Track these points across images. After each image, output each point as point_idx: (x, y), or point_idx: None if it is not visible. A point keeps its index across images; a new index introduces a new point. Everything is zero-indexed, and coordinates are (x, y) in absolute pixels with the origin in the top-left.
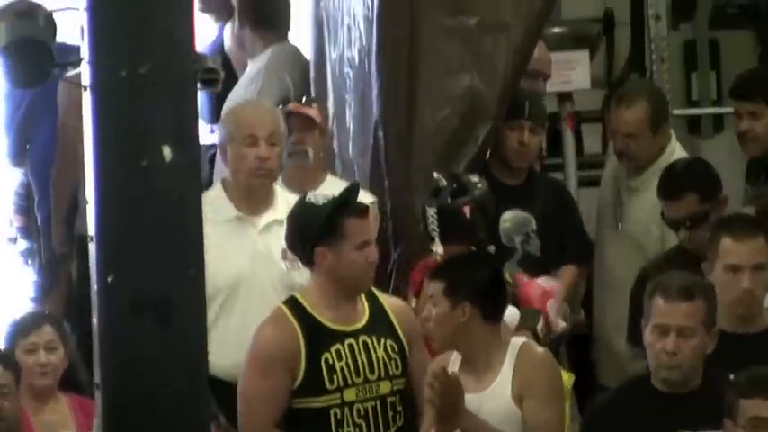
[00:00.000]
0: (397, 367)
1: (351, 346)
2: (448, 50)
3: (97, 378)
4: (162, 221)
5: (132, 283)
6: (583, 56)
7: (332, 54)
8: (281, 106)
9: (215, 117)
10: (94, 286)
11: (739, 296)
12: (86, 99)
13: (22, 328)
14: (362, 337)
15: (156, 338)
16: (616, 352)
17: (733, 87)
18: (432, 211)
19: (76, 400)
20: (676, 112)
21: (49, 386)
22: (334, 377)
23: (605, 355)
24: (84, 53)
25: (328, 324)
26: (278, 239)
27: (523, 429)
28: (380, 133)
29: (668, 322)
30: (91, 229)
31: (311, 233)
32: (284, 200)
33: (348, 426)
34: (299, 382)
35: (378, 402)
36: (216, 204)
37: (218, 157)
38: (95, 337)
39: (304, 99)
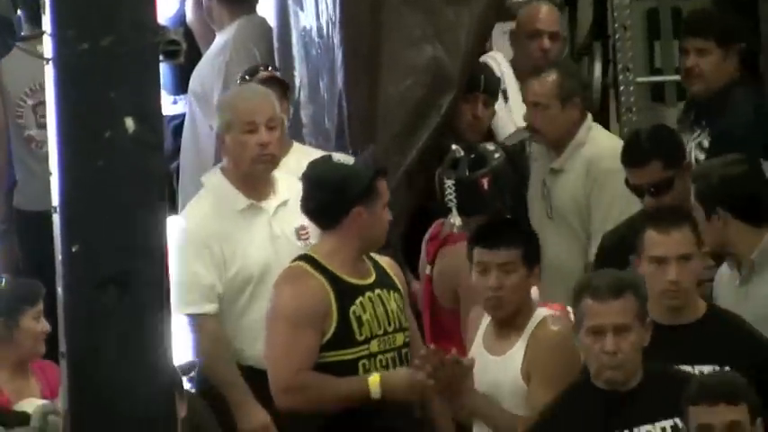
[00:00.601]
0: (405, 319)
1: (370, 298)
2: (410, 21)
3: (62, 347)
4: (125, 192)
5: (97, 253)
6: None
7: (300, 24)
8: (248, 76)
9: (177, 88)
10: (59, 256)
11: (666, 288)
12: (48, 72)
13: (30, 297)
14: (377, 291)
15: (120, 308)
16: None
17: (685, 23)
18: (449, 183)
19: (35, 362)
20: (639, 79)
21: (42, 353)
22: (362, 329)
23: None
24: (46, 26)
25: (348, 279)
26: (288, 221)
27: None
28: (344, 103)
29: (603, 322)
30: (55, 201)
31: (354, 193)
32: (283, 181)
33: None
34: (329, 335)
35: (396, 354)
36: (222, 194)
37: (186, 130)
38: (60, 307)
39: (270, 68)
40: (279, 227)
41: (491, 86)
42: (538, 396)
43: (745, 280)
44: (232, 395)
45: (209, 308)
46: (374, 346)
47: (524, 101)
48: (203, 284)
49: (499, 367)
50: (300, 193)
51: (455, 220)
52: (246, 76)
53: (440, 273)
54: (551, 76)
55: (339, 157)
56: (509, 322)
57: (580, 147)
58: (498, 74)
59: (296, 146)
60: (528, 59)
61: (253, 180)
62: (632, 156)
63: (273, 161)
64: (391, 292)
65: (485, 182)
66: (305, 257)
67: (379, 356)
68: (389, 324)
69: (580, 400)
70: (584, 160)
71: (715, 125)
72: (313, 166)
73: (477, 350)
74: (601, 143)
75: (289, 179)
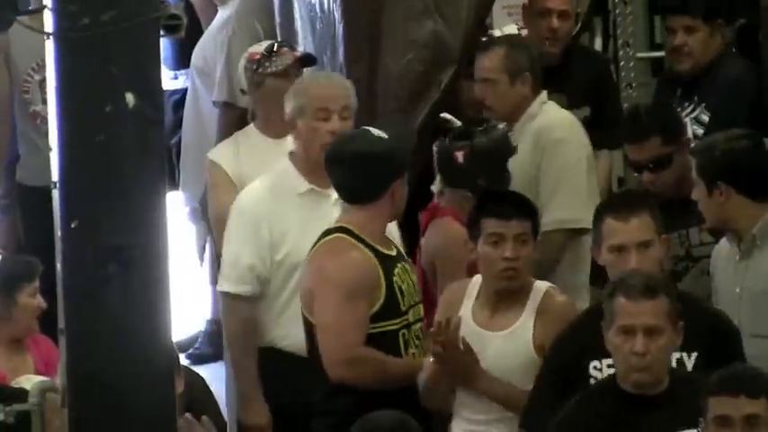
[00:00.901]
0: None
1: (402, 269)
2: None
3: (61, 324)
4: (125, 168)
5: (96, 229)
6: None
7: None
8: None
9: (178, 63)
10: (58, 232)
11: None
12: (49, 47)
13: (28, 273)
14: (402, 262)
15: (119, 284)
16: None
17: (668, 2)
18: (434, 150)
19: (30, 338)
20: (640, 54)
21: (37, 330)
22: (405, 299)
23: None
24: (48, 0)
25: (382, 250)
26: None
27: None
28: (345, 77)
29: (634, 322)
30: (55, 176)
31: (396, 168)
32: None
33: (411, 347)
34: (377, 307)
35: (421, 324)
36: (285, 177)
37: (188, 105)
38: (59, 283)
39: (286, 44)
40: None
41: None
42: None
43: (746, 254)
44: (241, 382)
45: (243, 288)
46: (411, 316)
47: (474, 77)
48: (242, 264)
49: (504, 342)
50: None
51: (436, 186)
52: (266, 53)
53: (425, 245)
54: (499, 52)
55: (375, 131)
56: (509, 296)
57: (531, 120)
58: None
59: None
60: (537, 38)
61: (320, 167)
62: (632, 132)
63: None
64: (409, 262)
65: (459, 155)
66: (341, 229)
67: (413, 326)
68: (416, 294)
69: (604, 401)
70: (534, 132)
71: (711, 99)
72: (350, 140)
73: (468, 328)
74: (552, 114)
75: None
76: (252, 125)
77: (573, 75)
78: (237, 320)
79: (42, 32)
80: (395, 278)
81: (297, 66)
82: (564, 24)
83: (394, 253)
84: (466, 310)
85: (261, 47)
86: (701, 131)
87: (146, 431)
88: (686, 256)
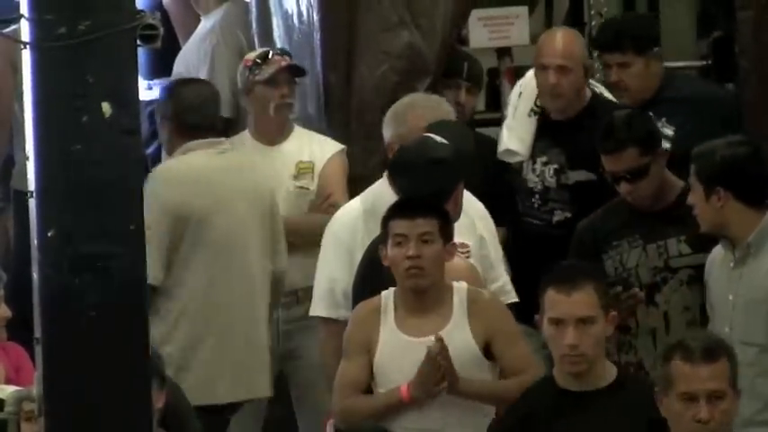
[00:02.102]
0: None
1: None
2: (387, 6)
3: (37, 332)
4: (102, 177)
5: (72, 238)
6: (522, 11)
7: (282, 8)
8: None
9: (153, 73)
10: (34, 241)
11: (564, 352)
12: (26, 56)
13: None
14: None
15: (95, 293)
16: None
17: (598, 39)
18: None
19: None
20: None
21: (5, 339)
22: None
23: None
24: (24, 10)
25: None
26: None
27: (500, 368)
28: (321, 87)
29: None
30: (31, 185)
31: (462, 170)
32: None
33: None
34: None
35: None
36: (381, 201)
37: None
38: (35, 292)
39: (281, 51)
40: None
41: (474, 74)
42: (510, 349)
43: (740, 262)
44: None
45: (340, 313)
46: None
47: None
48: (338, 290)
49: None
50: (475, 211)
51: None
52: (258, 60)
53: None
54: None
55: (436, 137)
56: (431, 301)
57: None
58: (520, 89)
59: (297, 130)
60: (542, 92)
61: None
62: (608, 143)
63: None
64: None
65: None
66: None
67: None
68: None
69: (542, 396)
70: None
71: (671, 113)
72: (414, 148)
73: (402, 341)
74: None
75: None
76: (246, 131)
77: (582, 132)
78: (337, 345)
79: (19, 42)
80: None
81: (285, 74)
82: (564, 79)
83: None
84: (389, 325)
85: (255, 53)
86: (667, 145)
87: None
88: (665, 267)
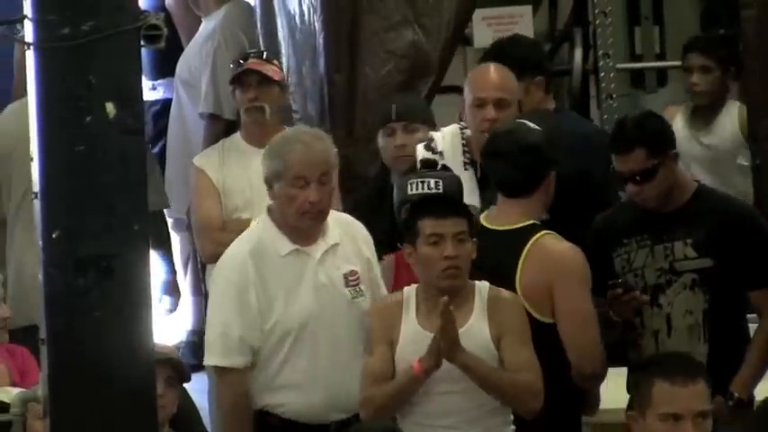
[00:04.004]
0: None
1: None
2: (390, 5)
3: (42, 333)
4: (106, 177)
5: (77, 239)
6: (526, 10)
7: (285, 8)
8: (242, 61)
9: (156, 74)
10: (39, 242)
11: None
12: (29, 56)
13: None
14: None
15: (100, 294)
16: None
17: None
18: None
19: (2, 346)
20: (620, 66)
21: (6, 340)
22: None
23: None
24: (28, 10)
25: None
26: (337, 266)
27: (501, 366)
28: (326, 88)
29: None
30: (35, 186)
31: (554, 157)
32: (334, 223)
33: None
34: None
35: None
36: (266, 239)
37: (173, 116)
38: (40, 293)
39: (264, 55)
40: (325, 274)
41: (406, 113)
42: (518, 351)
43: None
44: None
45: (235, 361)
46: None
47: None
48: (233, 336)
49: (461, 340)
50: (359, 234)
51: None
52: (241, 61)
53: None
54: None
55: (529, 123)
56: (454, 298)
57: None
58: (440, 149)
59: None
60: (476, 130)
61: (300, 228)
62: (617, 143)
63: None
64: None
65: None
66: (538, 226)
67: None
68: None
69: None
70: None
71: None
72: (509, 133)
73: (416, 333)
74: None
75: (340, 221)
76: (238, 133)
77: None
78: (231, 394)
79: (22, 42)
80: None
81: (254, 77)
82: (503, 114)
83: None
84: (410, 320)
85: (240, 54)
86: None
87: None
88: (670, 269)
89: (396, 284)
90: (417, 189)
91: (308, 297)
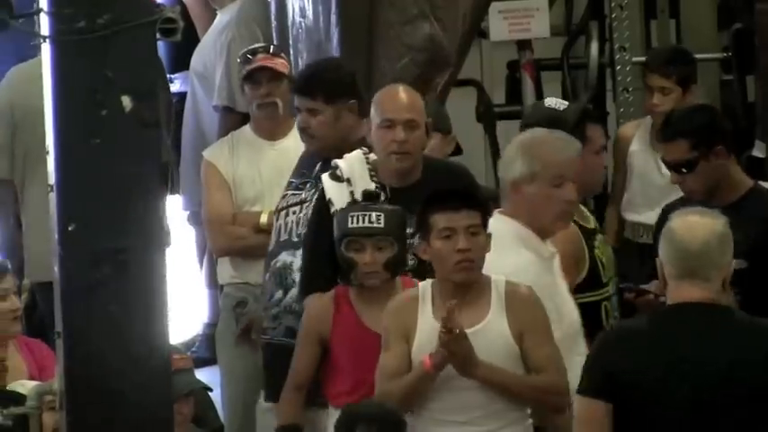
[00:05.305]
0: None
1: (600, 241)
2: None
3: (58, 327)
4: (122, 171)
5: (93, 232)
6: (542, 3)
7: (301, 1)
8: (247, 57)
9: (173, 67)
10: (55, 236)
11: None
12: (45, 50)
13: None
14: (600, 234)
15: (116, 287)
16: None
17: (297, 82)
18: None
19: (22, 340)
20: (636, 59)
21: (18, 331)
22: (605, 271)
23: None
24: (44, 3)
25: (582, 223)
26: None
27: (524, 364)
28: None
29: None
30: (51, 179)
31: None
32: None
33: (610, 318)
34: (582, 277)
35: (616, 297)
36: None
37: (187, 109)
38: (56, 287)
39: (272, 49)
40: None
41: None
42: (541, 347)
43: None
44: None
45: None
46: (610, 288)
47: None
48: None
49: (479, 337)
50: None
51: None
52: (249, 56)
53: None
54: None
55: (552, 101)
56: (470, 293)
57: None
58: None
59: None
60: (384, 153)
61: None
62: (663, 131)
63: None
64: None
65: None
66: None
67: (612, 298)
68: (613, 267)
69: None
70: None
71: None
72: (530, 112)
73: (432, 328)
74: None
75: None
76: (248, 126)
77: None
78: None
79: (38, 35)
80: (596, 250)
81: (265, 73)
82: (412, 135)
83: (592, 226)
84: (427, 317)
85: (249, 49)
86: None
87: None
88: None
89: (336, 317)
90: (358, 222)
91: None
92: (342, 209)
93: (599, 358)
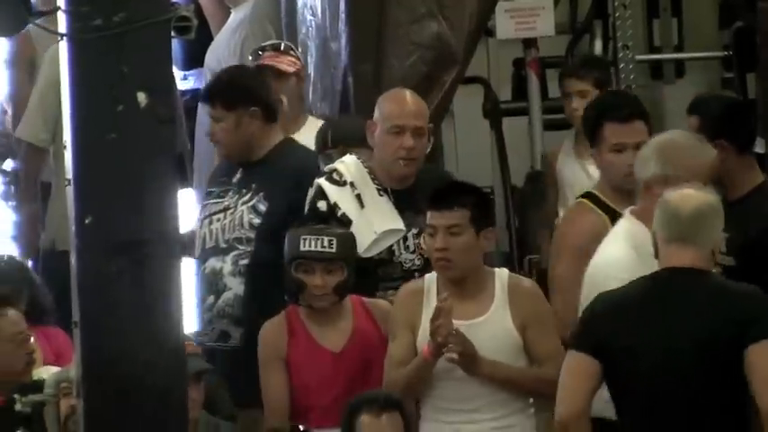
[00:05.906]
0: None
1: None
2: None
3: (75, 316)
4: (137, 165)
5: (109, 225)
6: (547, 2)
7: (304, 2)
8: (257, 54)
9: (188, 64)
10: (72, 228)
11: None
12: (63, 47)
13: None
14: None
15: (131, 279)
16: None
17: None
18: None
19: (40, 330)
20: (639, 57)
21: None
22: None
23: None
24: (61, 2)
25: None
26: None
27: (526, 356)
28: (350, 79)
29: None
30: (68, 173)
31: None
32: None
33: None
34: None
35: None
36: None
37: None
38: (73, 278)
39: (282, 46)
40: None
41: (342, 138)
42: (546, 340)
43: None
44: None
45: None
46: None
47: None
48: None
49: (482, 329)
50: None
51: None
52: (260, 52)
53: None
54: None
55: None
56: (472, 286)
57: None
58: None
59: (311, 120)
60: (391, 158)
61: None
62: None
63: None
64: None
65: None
66: (588, 194)
67: None
68: None
69: None
70: None
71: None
72: None
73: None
74: None
75: None
76: None
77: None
78: None
79: (56, 33)
80: None
81: (269, 70)
82: (419, 142)
83: None
84: (431, 308)
85: (260, 45)
86: (257, 221)
87: (157, 421)
88: None
89: (291, 339)
90: (311, 246)
91: None
92: (293, 229)
93: (592, 319)
